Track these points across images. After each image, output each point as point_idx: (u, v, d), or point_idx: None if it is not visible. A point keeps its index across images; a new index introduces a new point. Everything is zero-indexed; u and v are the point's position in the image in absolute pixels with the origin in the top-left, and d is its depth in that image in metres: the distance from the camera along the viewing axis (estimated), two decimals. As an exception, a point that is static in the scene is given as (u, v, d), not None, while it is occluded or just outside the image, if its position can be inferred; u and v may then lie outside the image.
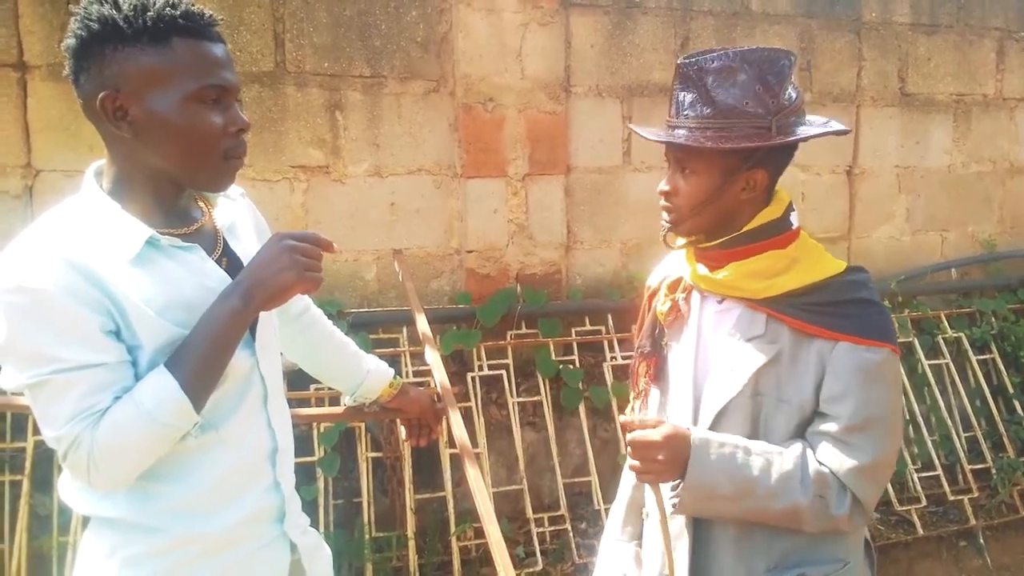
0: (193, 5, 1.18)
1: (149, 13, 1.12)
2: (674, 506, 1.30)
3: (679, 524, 1.38)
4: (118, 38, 1.13)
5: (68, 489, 1.25)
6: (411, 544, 2.94)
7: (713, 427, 1.32)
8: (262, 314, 1.28)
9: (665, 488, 1.34)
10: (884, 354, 1.27)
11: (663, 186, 1.35)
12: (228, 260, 1.29)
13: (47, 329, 1.08)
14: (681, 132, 1.29)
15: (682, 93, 1.29)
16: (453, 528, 3.02)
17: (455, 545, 2.99)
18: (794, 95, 1.29)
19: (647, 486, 1.50)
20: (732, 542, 1.33)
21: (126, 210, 1.18)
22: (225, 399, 1.24)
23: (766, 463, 1.27)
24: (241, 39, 3.10)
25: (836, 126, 1.30)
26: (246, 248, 1.34)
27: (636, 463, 1.29)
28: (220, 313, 1.15)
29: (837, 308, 1.28)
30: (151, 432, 1.12)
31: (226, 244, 1.31)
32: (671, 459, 1.27)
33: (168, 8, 1.14)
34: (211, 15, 1.20)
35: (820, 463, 1.27)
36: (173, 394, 1.12)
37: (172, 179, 1.22)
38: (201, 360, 1.15)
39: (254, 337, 1.30)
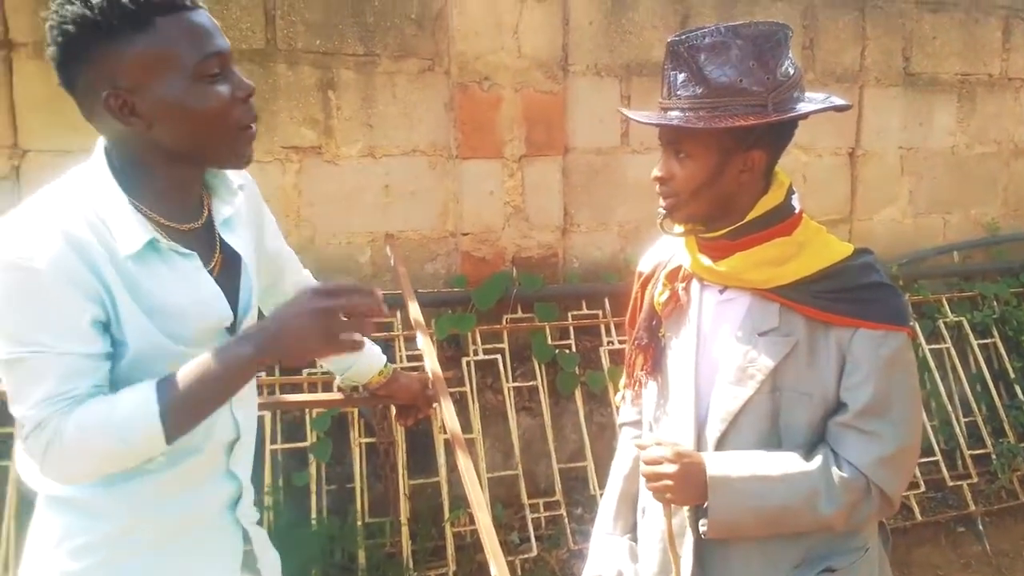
0: None
1: (122, 0, 1.06)
2: (703, 533, 1.29)
3: (681, 520, 1.34)
4: (99, 34, 1.07)
5: (23, 463, 1.20)
6: (404, 530, 2.91)
7: (730, 427, 1.29)
8: (241, 304, 1.26)
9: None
10: (902, 338, 1.24)
11: (657, 172, 1.30)
12: (223, 259, 1.26)
13: (34, 311, 1.05)
14: (674, 114, 1.24)
15: (674, 73, 1.24)
16: (447, 514, 2.99)
17: (449, 531, 2.97)
18: (792, 70, 1.23)
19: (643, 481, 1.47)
20: (757, 544, 1.30)
21: (133, 201, 1.14)
22: None
23: (788, 489, 1.23)
24: (231, 16, 3.02)
25: (836, 101, 1.25)
26: (242, 243, 1.30)
27: (651, 483, 1.28)
28: (229, 356, 1.09)
29: (853, 294, 1.24)
30: (114, 447, 1.08)
31: (222, 243, 1.27)
32: (683, 486, 1.25)
33: None
34: None
35: (847, 462, 1.24)
36: (149, 418, 1.07)
37: (192, 161, 1.18)
38: (192, 395, 1.09)
39: (235, 329, 1.26)
